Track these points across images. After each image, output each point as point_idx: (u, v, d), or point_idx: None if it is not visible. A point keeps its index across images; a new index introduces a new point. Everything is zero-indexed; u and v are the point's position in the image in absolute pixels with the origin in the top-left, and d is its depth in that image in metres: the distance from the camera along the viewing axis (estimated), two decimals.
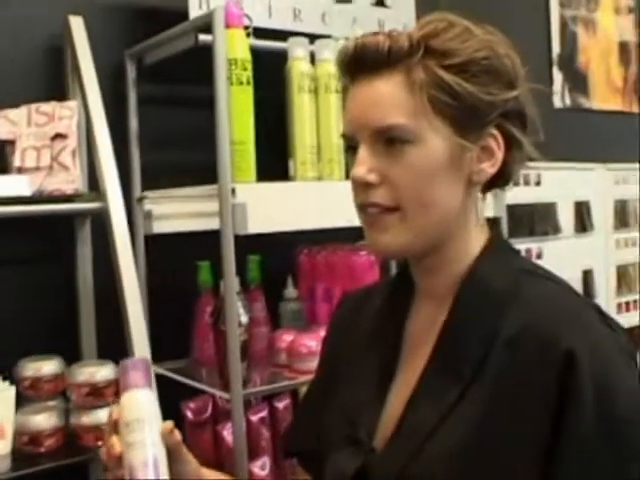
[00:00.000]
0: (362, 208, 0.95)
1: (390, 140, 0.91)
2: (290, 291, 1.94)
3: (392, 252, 0.98)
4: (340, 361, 1.10)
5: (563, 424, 0.82)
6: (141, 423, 0.92)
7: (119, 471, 0.91)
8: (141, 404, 0.94)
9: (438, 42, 0.91)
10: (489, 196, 1.90)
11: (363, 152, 0.93)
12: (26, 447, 1.50)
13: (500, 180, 0.98)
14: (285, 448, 1.22)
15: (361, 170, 0.92)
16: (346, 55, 0.95)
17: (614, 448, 0.82)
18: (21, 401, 1.52)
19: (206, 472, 1.06)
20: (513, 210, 2.55)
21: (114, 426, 0.94)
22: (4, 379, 1.53)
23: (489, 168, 0.94)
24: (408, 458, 0.90)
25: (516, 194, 2.59)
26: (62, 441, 1.54)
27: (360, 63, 0.93)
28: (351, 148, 0.96)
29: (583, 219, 2.91)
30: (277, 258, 1.94)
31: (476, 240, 0.98)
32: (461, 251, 0.97)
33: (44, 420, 1.52)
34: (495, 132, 0.93)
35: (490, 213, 1.89)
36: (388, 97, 0.91)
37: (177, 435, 0.96)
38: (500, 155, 0.94)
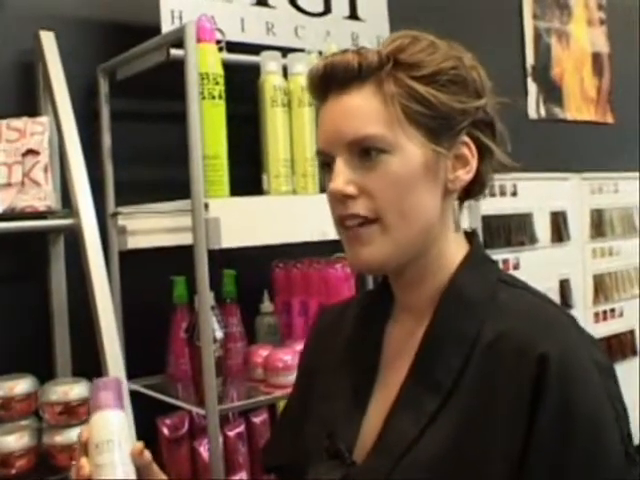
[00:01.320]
0: (341, 222, 0.95)
1: (366, 151, 0.92)
2: (266, 305, 1.94)
3: (374, 266, 0.97)
4: (318, 374, 1.10)
5: (532, 428, 0.83)
6: (111, 444, 0.91)
7: None
8: (111, 425, 0.93)
9: (406, 55, 0.92)
10: (464, 207, 1.92)
11: (339, 165, 0.93)
12: None
13: (475, 189, 0.99)
14: (264, 463, 1.22)
15: (339, 183, 0.92)
16: (316, 75, 0.95)
17: (574, 453, 0.83)
18: None
19: None
20: (489, 221, 2.56)
21: (84, 447, 0.94)
22: None
23: (464, 175, 0.95)
24: (389, 470, 0.90)
25: (492, 205, 2.60)
26: (34, 461, 1.52)
27: (330, 81, 0.94)
28: (326, 164, 0.96)
29: (559, 229, 2.93)
30: (252, 272, 1.93)
31: (455, 251, 0.98)
32: (441, 262, 0.97)
33: (15, 440, 1.50)
34: (467, 140, 0.95)
35: (465, 224, 1.91)
36: (361, 109, 0.92)
37: (147, 455, 0.96)
38: (474, 163, 0.95)
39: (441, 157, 0.93)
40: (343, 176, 0.92)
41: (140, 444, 0.95)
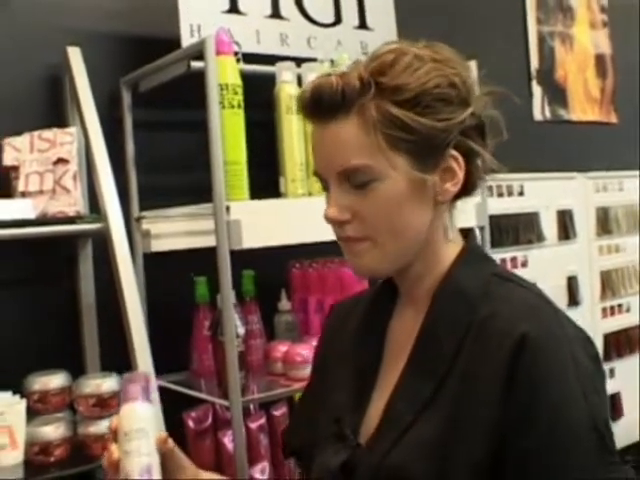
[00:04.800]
0: (339, 239, 1.03)
1: (355, 178, 0.98)
2: (284, 304, 2.02)
3: (368, 274, 1.08)
4: (329, 366, 1.18)
5: (505, 407, 0.90)
6: (138, 433, 0.99)
7: (117, 477, 0.98)
8: (138, 415, 1.01)
9: (387, 79, 0.95)
10: (472, 207, 2.00)
11: (333, 192, 1.00)
12: (37, 457, 1.57)
13: (466, 190, 1.04)
14: (283, 448, 1.30)
15: (332, 211, 0.99)
16: (304, 100, 1.01)
17: (536, 435, 0.89)
18: (31, 414, 1.59)
19: (204, 474, 1.13)
20: (497, 220, 2.63)
21: (113, 435, 1.01)
22: (14, 393, 1.61)
23: (452, 187, 1.00)
24: (387, 451, 0.97)
25: (500, 204, 2.68)
26: (70, 451, 1.61)
27: (317, 107, 0.99)
28: (324, 181, 1.03)
29: (566, 227, 3.00)
30: (270, 272, 2.02)
31: (449, 250, 1.05)
32: (435, 262, 1.04)
33: (53, 431, 1.59)
34: (454, 153, 0.98)
35: (473, 223, 2.00)
36: (346, 140, 0.97)
37: (171, 443, 1.04)
38: (461, 174, 1.00)
39: (427, 176, 0.98)
40: (335, 202, 0.99)
41: (164, 433, 1.03)
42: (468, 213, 1.93)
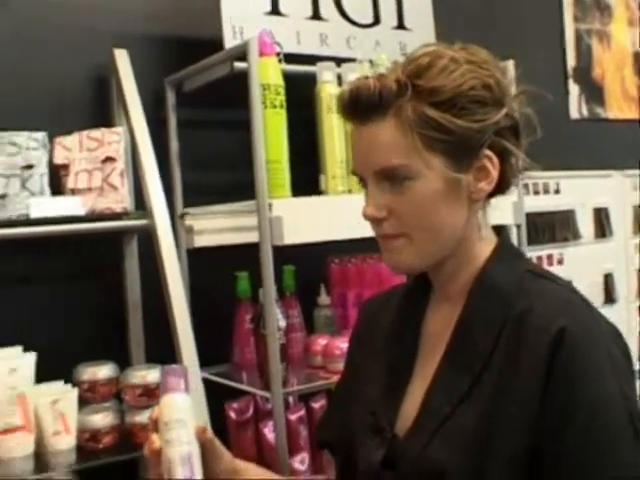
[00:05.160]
0: (377, 236, 1.07)
1: (392, 177, 1.01)
2: (323, 298, 2.07)
3: (402, 270, 1.10)
4: (362, 359, 1.21)
5: (544, 399, 0.92)
6: (177, 423, 1.02)
7: (158, 465, 1.02)
8: (178, 406, 1.04)
9: (423, 81, 0.98)
10: (509, 205, 2.01)
11: (370, 190, 1.04)
12: (87, 443, 1.64)
13: (501, 188, 1.07)
14: (316, 439, 1.34)
15: (369, 209, 1.03)
16: (343, 101, 1.05)
17: (573, 429, 0.91)
18: (80, 403, 1.65)
19: (239, 463, 1.16)
20: (534, 218, 2.65)
21: (154, 425, 1.05)
22: (65, 383, 1.68)
23: (486, 186, 1.03)
24: (425, 444, 1.00)
25: (536, 202, 2.69)
26: (118, 438, 1.68)
27: (355, 108, 1.02)
28: (362, 180, 1.07)
29: (602, 225, 3.00)
30: (310, 268, 2.06)
31: (484, 247, 1.08)
32: (471, 257, 1.07)
33: (101, 419, 1.66)
34: (489, 153, 1.01)
35: (510, 221, 2.02)
36: (383, 140, 1.00)
37: (209, 433, 1.07)
38: (495, 173, 1.03)
39: (462, 177, 1.01)
40: (373, 200, 1.03)
41: (203, 424, 1.07)
42: (504, 211, 1.98)
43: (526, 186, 2.59)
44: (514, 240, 2.04)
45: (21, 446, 1.53)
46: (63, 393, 1.61)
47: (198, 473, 1.00)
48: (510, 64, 1.84)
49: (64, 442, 1.59)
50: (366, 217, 1.04)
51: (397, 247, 1.04)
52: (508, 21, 2.74)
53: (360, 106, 1.01)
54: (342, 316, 2.06)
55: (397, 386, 1.10)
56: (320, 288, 2.07)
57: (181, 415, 1.03)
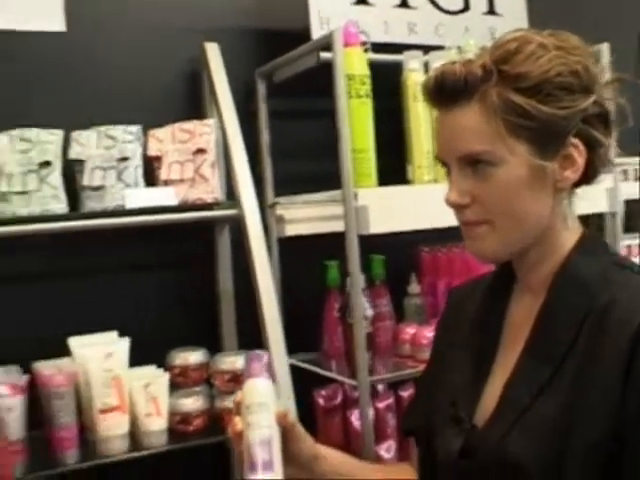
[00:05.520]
0: (460, 222, 1.06)
1: (475, 163, 1.00)
2: (413, 287, 2.06)
3: (484, 258, 1.08)
4: (448, 347, 1.21)
5: (625, 391, 0.91)
6: (259, 407, 1.05)
7: (240, 446, 1.05)
8: (260, 390, 1.07)
9: (510, 66, 0.97)
10: (602, 192, 1.95)
11: (454, 176, 1.03)
12: (178, 426, 1.70)
13: (587, 177, 1.04)
14: (402, 427, 1.34)
15: (452, 195, 1.03)
16: (428, 86, 1.04)
17: None
18: (172, 387, 1.72)
19: (321, 448, 1.18)
20: (632, 205, 2.55)
21: (237, 408, 1.09)
22: (158, 367, 1.74)
23: (571, 175, 1.01)
24: (504, 433, 0.99)
25: (634, 189, 2.59)
26: (207, 422, 1.73)
27: (440, 93, 1.02)
28: (446, 165, 1.06)
29: None
30: (401, 256, 2.07)
31: (568, 237, 1.06)
32: (553, 249, 1.05)
33: (192, 403, 1.72)
34: (575, 141, 0.99)
35: (604, 209, 1.96)
36: (467, 126, 1.00)
37: (290, 418, 1.09)
38: (581, 161, 1.00)
39: (547, 164, 0.99)
40: (456, 187, 1.02)
41: (284, 408, 1.09)
42: (598, 199, 1.92)
43: (625, 172, 2.50)
44: (608, 229, 1.98)
45: (117, 425, 1.61)
46: (155, 377, 1.68)
47: (277, 456, 1.02)
48: (605, 47, 1.79)
49: (156, 423, 1.65)
50: (449, 203, 1.04)
51: (480, 234, 1.03)
52: (602, 4, 2.63)
53: (445, 91, 1.01)
54: (432, 305, 2.05)
55: (479, 376, 1.10)
56: (410, 277, 2.07)
57: (262, 399, 1.06)
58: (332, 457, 1.20)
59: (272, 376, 1.12)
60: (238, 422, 1.06)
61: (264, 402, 1.06)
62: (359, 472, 1.24)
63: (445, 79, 1.00)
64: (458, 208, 1.04)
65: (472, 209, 1.02)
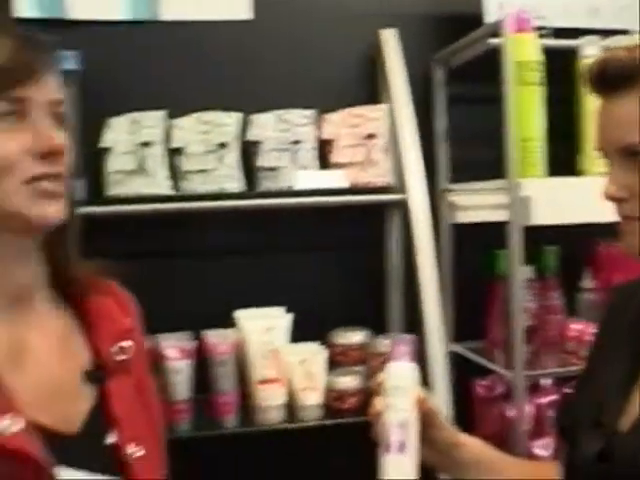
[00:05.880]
0: (618, 216, 1.01)
1: (636, 155, 0.95)
2: (586, 282, 1.99)
3: (635, 254, 1.01)
4: (603, 348, 1.17)
5: None
6: (398, 390, 1.06)
7: (377, 427, 1.06)
8: (400, 374, 1.08)
9: None
10: None
11: (612, 169, 0.99)
12: (334, 402, 1.77)
13: None
14: (554, 425, 1.31)
15: (610, 188, 0.99)
16: (590, 73, 1.00)
17: None
18: (331, 364, 1.79)
19: (463, 437, 1.17)
20: None
21: (378, 389, 1.10)
22: (321, 344, 1.82)
23: None
24: None
25: None
26: (362, 401, 1.77)
27: (601, 81, 0.98)
28: (605, 156, 1.02)
29: None
30: (575, 250, 1.99)
31: None
32: None
33: (350, 381, 1.77)
34: None
35: None
36: (627, 116, 0.95)
37: (429, 404, 1.09)
38: None
39: None
40: (613, 180, 0.98)
41: (423, 393, 1.09)
42: None
43: None
44: None
45: (274, 396, 1.71)
46: (312, 354, 1.75)
47: (412, 439, 1.04)
48: None
49: (311, 398, 1.73)
50: (605, 196, 1.00)
51: (634, 230, 0.98)
52: None
53: (606, 79, 0.97)
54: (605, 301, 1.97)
55: (630, 380, 1.06)
56: (584, 271, 1.99)
57: (402, 383, 1.07)
58: (473, 445, 1.20)
59: (417, 361, 1.12)
60: (377, 403, 1.08)
61: (404, 385, 1.07)
62: (499, 462, 1.23)
63: (607, 66, 0.97)
64: (615, 201, 1.00)
65: (629, 204, 0.98)
